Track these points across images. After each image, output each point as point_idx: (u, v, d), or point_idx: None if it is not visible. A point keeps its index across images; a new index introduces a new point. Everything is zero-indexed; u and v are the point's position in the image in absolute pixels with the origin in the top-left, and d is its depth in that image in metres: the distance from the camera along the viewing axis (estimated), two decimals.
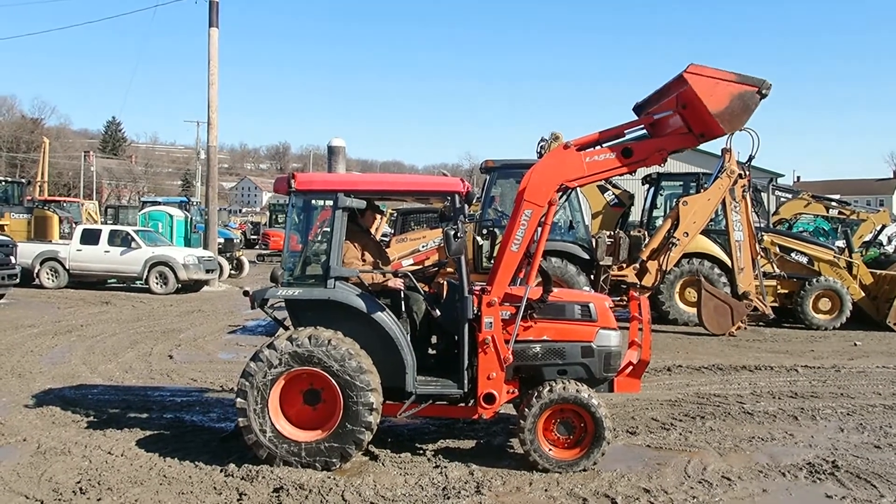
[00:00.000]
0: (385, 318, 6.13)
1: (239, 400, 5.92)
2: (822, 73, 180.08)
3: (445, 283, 6.94)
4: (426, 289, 6.88)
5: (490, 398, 6.11)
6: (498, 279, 6.18)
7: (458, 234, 5.90)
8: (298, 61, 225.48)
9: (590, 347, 6.24)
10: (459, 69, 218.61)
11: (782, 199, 22.20)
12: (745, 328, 14.43)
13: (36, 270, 20.28)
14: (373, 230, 7.33)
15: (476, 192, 11.93)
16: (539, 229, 6.25)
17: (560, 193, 6.30)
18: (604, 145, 6.28)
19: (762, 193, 19.77)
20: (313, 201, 6.66)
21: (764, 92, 5.84)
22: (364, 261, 6.72)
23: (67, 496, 5.36)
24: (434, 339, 6.81)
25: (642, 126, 6.45)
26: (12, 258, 16.94)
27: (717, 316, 13.86)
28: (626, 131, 6.42)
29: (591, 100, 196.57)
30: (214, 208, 23.54)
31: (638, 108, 6.84)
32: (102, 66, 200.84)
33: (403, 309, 6.42)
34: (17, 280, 17.25)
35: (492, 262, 9.65)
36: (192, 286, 20.67)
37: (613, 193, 17.78)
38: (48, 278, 20.41)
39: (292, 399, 6.06)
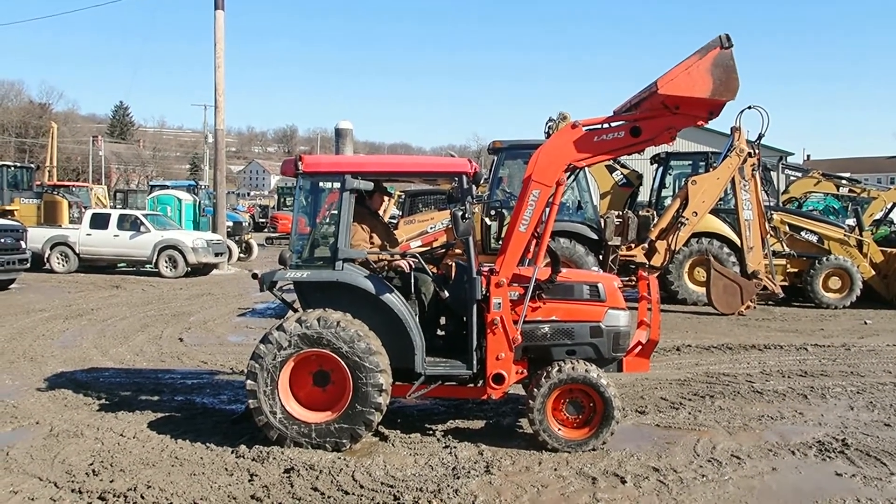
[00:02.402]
0: (393, 299, 6.12)
1: (249, 382, 5.95)
2: (832, 51, 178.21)
3: (454, 264, 6.93)
4: (434, 270, 6.88)
5: (499, 378, 6.12)
6: (506, 260, 6.17)
7: (466, 216, 5.88)
8: (305, 44, 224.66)
9: (598, 327, 6.23)
10: (467, 50, 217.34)
11: (792, 178, 22.00)
12: (755, 307, 14.39)
13: (46, 255, 20.40)
14: (381, 212, 7.32)
15: (484, 173, 11.86)
16: (547, 210, 6.22)
17: (568, 173, 6.26)
18: (612, 124, 6.22)
19: (772, 172, 19.68)
20: (321, 184, 6.65)
21: (727, 45, 5.75)
22: (372, 243, 6.72)
23: (80, 478, 5.41)
24: (442, 321, 6.82)
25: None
26: (23, 243, 17.03)
27: (727, 295, 13.83)
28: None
29: (599, 80, 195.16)
30: (223, 192, 23.53)
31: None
32: (109, 51, 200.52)
33: (412, 290, 6.42)
34: (28, 265, 17.35)
35: (500, 243, 9.63)
36: (201, 270, 20.77)
37: (622, 173, 17.70)
38: (58, 263, 20.51)
39: (302, 381, 6.08)
